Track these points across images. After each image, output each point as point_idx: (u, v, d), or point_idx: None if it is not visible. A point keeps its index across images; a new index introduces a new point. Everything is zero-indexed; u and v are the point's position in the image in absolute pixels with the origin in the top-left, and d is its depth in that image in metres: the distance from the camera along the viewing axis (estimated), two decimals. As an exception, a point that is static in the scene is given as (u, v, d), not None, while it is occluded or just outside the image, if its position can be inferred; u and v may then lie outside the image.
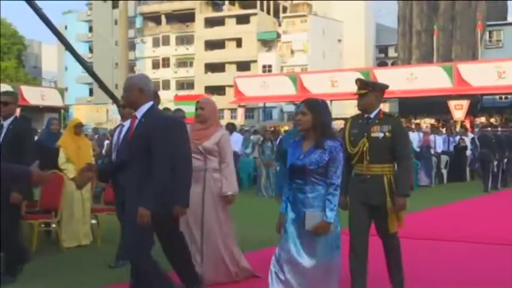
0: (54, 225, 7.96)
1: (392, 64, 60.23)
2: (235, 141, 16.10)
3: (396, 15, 54.10)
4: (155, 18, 70.60)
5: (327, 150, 4.33)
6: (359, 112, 5.37)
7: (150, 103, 4.76)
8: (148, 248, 4.70)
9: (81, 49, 72.53)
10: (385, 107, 34.19)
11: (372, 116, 5.25)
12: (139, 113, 4.73)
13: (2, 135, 6.23)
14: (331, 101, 26.63)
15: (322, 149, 4.34)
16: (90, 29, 75.19)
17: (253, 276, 6.05)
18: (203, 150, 5.86)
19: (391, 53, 69.37)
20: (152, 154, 4.53)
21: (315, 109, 4.41)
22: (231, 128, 17.67)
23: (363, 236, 5.21)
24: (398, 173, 5.21)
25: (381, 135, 5.16)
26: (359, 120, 5.33)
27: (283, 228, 4.44)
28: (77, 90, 71.81)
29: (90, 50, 72.78)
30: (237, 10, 68.16)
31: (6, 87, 35.14)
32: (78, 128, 8.44)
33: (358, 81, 5.30)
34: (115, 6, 60.97)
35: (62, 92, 42.29)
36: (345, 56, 65.58)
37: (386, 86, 5.56)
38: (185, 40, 68.88)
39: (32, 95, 36.94)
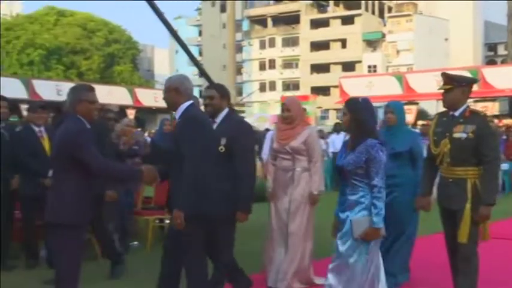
0: (167, 221, 7.95)
1: (502, 62, 58.29)
2: (339, 141, 15.75)
3: (506, 12, 52.41)
4: (261, 21, 71.81)
5: (364, 150, 4.16)
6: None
7: (188, 102, 4.69)
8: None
9: (192, 52, 75.15)
10: (494, 107, 33.16)
11: (456, 113, 4.84)
12: (178, 113, 4.70)
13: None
14: (437, 100, 26.34)
15: (360, 148, 4.18)
16: (200, 33, 77.49)
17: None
18: (290, 150, 5.77)
19: (501, 50, 67.08)
20: (183, 153, 4.49)
21: (353, 108, 4.30)
22: (338, 128, 17.65)
23: (453, 241, 4.86)
24: (484, 179, 4.72)
25: (464, 136, 4.73)
26: (444, 118, 4.97)
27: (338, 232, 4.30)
28: (187, 92, 74.15)
29: (200, 53, 75.12)
30: (342, 11, 68.18)
31: (122, 90, 37.40)
32: None
33: (443, 75, 4.89)
34: (223, 10, 62.88)
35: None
36: (452, 54, 64.04)
37: (475, 80, 5.25)
38: (291, 42, 69.62)
39: (146, 97, 38.80)
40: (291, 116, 5.81)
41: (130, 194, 8.05)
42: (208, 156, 4.61)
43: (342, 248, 4.23)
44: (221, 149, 4.98)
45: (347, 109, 4.32)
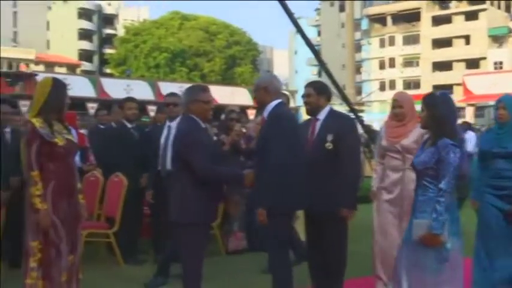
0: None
1: None
2: (469, 140, 14.93)
3: None
4: (381, 19, 70.74)
5: (435, 151, 3.95)
6: None
7: (277, 101, 4.72)
8: None
9: (311, 53, 75.36)
10: None
11: None
12: (266, 111, 4.73)
13: (172, 135, 6.17)
14: None
15: (432, 148, 3.99)
16: (319, 33, 77.55)
17: None
18: (401, 148, 5.43)
19: None
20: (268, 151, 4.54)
21: (431, 104, 4.11)
22: (466, 126, 17.07)
23: None
24: None
25: None
26: None
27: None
28: (306, 92, 74.44)
29: (319, 53, 75.10)
30: (465, 7, 65.77)
31: (242, 91, 38.18)
32: None
33: None
34: (342, 10, 62.53)
35: (292, 94, 44.46)
36: None
37: None
38: (411, 40, 68.08)
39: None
40: (403, 112, 5.48)
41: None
42: (293, 153, 4.59)
43: (407, 253, 4.08)
44: (328, 146, 4.96)
45: (424, 105, 4.11)
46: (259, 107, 4.93)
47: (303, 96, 5.26)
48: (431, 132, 4.10)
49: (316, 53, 12.33)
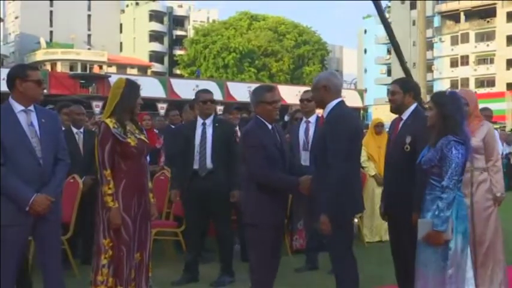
0: (356, 220, 7.67)
1: None
2: None
3: None
4: (454, 16, 69.12)
5: (439, 148, 3.94)
6: None
7: (337, 100, 4.52)
8: None
9: (380, 51, 74.49)
10: None
11: None
12: (326, 111, 4.55)
13: (209, 134, 6.13)
14: None
15: (437, 146, 3.98)
16: (389, 31, 76.46)
17: None
18: None
19: None
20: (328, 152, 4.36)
21: (439, 102, 4.08)
22: None
23: None
24: None
25: None
26: None
27: None
28: (375, 91, 73.74)
29: (388, 51, 74.11)
30: (544, 1, 63.63)
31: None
32: (379, 127, 8.68)
33: None
34: (413, 7, 61.40)
35: (361, 93, 44.06)
36: None
37: None
38: (485, 37, 66.24)
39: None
40: (467, 110, 5.04)
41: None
42: (353, 156, 4.45)
43: (418, 254, 4.05)
44: (406, 148, 4.70)
45: (433, 103, 4.07)
46: (318, 106, 4.75)
47: (388, 93, 5.08)
48: (437, 130, 4.04)
49: (399, 50, 11.85)
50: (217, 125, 6.19)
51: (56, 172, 4.34)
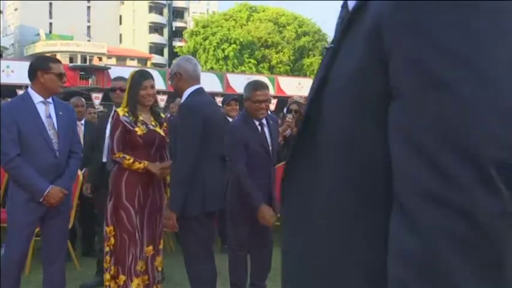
0: None
1: None
2: None
3: None
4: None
5: None
6: None
7: (192, 88, 4.35)
8: None
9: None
10: None
11: None
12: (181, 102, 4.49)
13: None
14: None
15: None
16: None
17: None
18: None
19: None
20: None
21: None
22: None
23: None
24: None
25: None
26: None
27: None
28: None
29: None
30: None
31: (311, 81, 38.01)
32: None
33: None
34: None
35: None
36: None
37: None
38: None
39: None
40: None
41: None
42: (206, 150, 4.29)
43: None
44: None
45: None
46: (179, 96, 4.52)
47: None
48: None
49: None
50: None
51: (70, 165, 4.38)
